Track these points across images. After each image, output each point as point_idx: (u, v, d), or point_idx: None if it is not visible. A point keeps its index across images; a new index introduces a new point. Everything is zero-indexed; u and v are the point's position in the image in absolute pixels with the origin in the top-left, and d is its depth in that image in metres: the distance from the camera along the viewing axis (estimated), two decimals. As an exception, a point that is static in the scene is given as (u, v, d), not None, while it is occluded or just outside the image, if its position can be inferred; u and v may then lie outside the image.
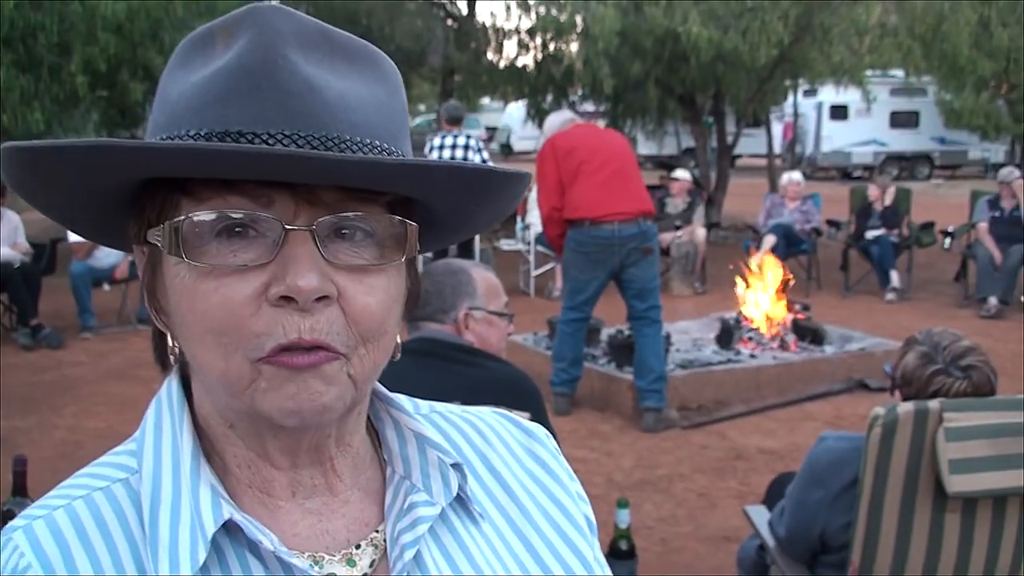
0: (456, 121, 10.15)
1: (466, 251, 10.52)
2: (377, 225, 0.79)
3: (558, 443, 1.04)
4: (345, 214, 0.77)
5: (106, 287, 9.64)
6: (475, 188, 0.84)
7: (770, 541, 3.06)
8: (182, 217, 0.77)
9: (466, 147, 9.82)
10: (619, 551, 3.62)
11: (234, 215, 0.75)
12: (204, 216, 0.76)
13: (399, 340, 0.87)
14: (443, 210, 0.86)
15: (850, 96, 23.32)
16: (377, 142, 0.78)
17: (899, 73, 22.57)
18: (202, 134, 0.75)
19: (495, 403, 1.03)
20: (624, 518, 3.64)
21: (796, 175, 12.48)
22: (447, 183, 0.82)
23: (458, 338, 2.74)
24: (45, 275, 9.45)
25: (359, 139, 0.77)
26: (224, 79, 0.76)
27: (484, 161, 9.87)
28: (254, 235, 0.76)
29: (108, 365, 8.19)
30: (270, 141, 0.74)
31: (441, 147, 9.86)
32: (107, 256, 9.33)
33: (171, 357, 0.83)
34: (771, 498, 3.46)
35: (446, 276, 2.84)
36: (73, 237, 9.18)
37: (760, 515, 3.26)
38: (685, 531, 4.85)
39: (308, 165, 0.72)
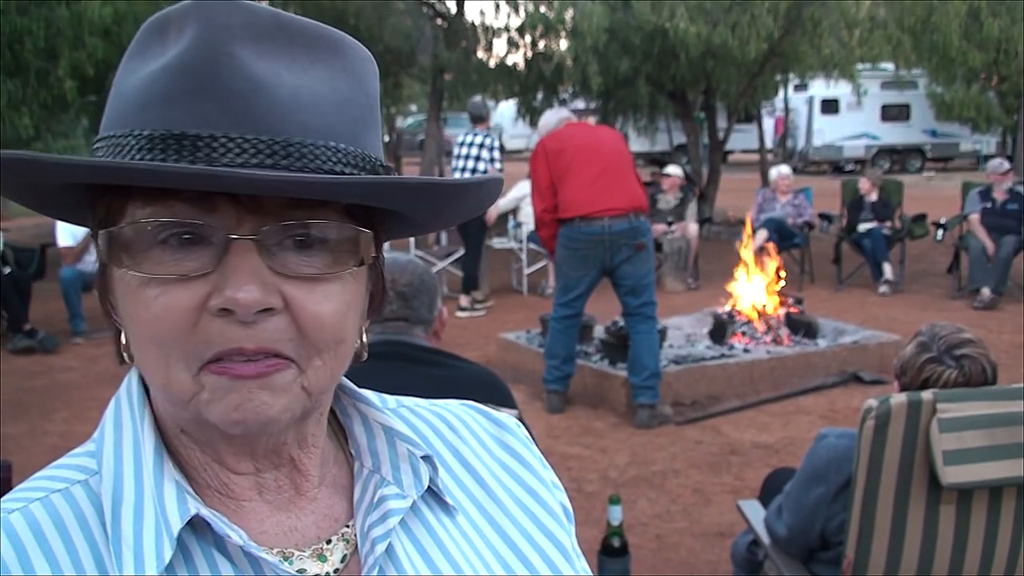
0: (478, 119, 10.27)
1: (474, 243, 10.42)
2: (330, 231, 0.76)
3: (531, 435, 1.02)
4: (288, 222, 0.74)
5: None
6: (425, 198, 0.82)
7: (765, 538, 3.03)
8: (120, 225, 0.75)
9: (481, 145, 10.01)
10: (611, 548, 3.59)
11: (172, 222, 0.73)
12: (141, 224, 0.73)
13: (364, 340, 0.85)
14: (408, 209, 0.83)
15: (841, 90, 23.33)
16: (332, 143, 0.75)
17: (889, 66, 22.61)
18: (145, 135, 0.73)
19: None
20: (616, 515, 3.62)
21: (784, 168, 12.51)
22: (396, 193, 0.78)
23: (422, 340, 2.66)
24: (35, 280, 9.42)
25: (310, 142, 0.74)
26: (169, 78, 0.73)
27: (492, 160, 9.93)
28: (200, 241, 0.73)
29: (99, 370, 8.13)
30: (214, 144, 0.71)
31: (462, 144, 10.14)
32: (97, 261, 9.29)
33: (124, 355, 0.81)
34: (766, 494, 3.44)
35: (417, 282, 2.68)
36: (62, 242, 9.15)
37: (754, 511, 3.23)
38: (680, 527, 4.83)
39: (234, 181, 0.69)
